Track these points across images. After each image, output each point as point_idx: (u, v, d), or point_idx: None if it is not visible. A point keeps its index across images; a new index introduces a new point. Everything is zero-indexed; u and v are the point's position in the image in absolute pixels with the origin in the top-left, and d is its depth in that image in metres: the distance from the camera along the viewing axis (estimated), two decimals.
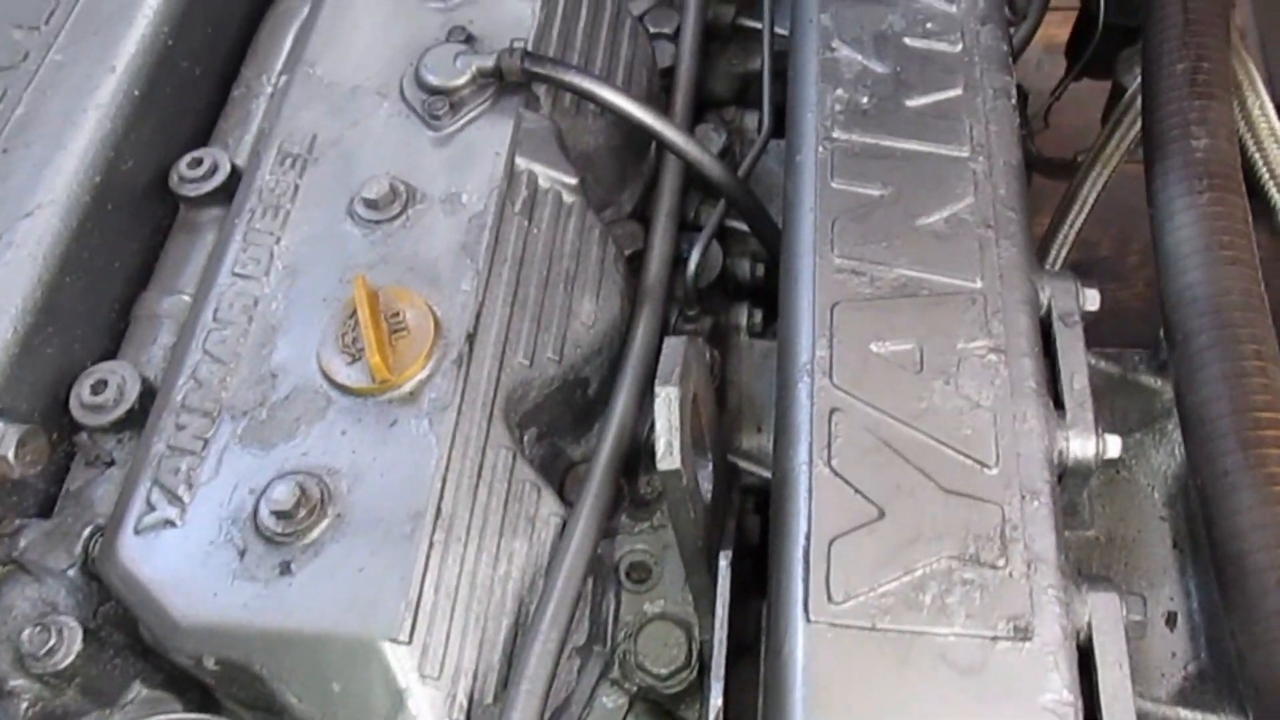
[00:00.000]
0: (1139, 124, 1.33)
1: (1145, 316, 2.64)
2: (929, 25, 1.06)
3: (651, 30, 1.40)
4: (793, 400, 0.86)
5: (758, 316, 1.24)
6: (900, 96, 1.01)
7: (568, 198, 1.06)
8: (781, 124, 1.24)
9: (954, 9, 1.07)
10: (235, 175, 1.13)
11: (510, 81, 1.06)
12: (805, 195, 0.96)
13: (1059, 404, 0.87)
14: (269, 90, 1.22)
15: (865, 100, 1.01)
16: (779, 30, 1.40)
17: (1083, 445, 0.84)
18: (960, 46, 1.04)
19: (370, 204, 0.99)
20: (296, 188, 1.03)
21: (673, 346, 0.87)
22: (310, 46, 1.14)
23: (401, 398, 0.90)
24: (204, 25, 1.23)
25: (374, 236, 0.99)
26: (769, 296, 1.29)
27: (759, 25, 1.44)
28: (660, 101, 1.29)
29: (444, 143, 1.05)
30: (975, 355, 0.86)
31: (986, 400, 0.84)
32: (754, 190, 1.18)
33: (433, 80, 1.06)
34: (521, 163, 1.04)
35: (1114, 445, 0.85)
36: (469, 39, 1.10)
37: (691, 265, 1.15)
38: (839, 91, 1.01)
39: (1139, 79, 1.30)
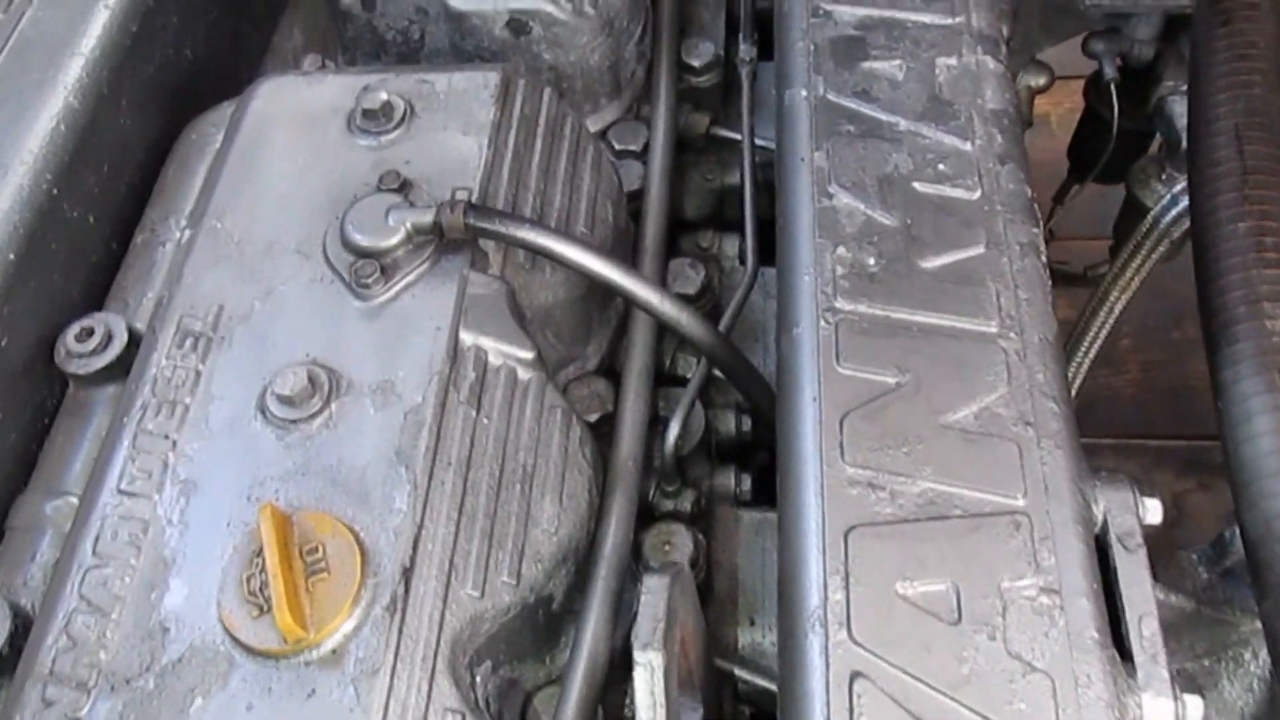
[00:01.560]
0: (1162, 248, 1.20)
1: (1140, 404, 2.50)
2: (941, 167, 0.91)
3: (617, 147, 1.25)
4: (802, 657, 0.70)
5: (746, 483, 1.08)
6: (913, 256, 0.86)
7: (523, 374, 0.90)
8: (766, 249, 1.10)
9: (968, 146, 0.92)
10: (134, 345, 0.97)
11: (452, 239, 0.90)
12: (805, 382, 0.80)
13: (1122, 651, 0.71)
14: (177, 235, 1.05)
15: (872, 261, 0.86)
16: (760, 141, 1.26)
17: (1158, 711, 0.68)
18: (979, 193, 0.89)
19: (285, 400, 0.83)
20: (197, 375, 0.87)
21: (654, 592, 0.71)
22: (217, 194, 0.98)
23: (322, 659, 0.73)
24: (97, 164, 1.06)
25: (290, 439, 0.82)
26: (759, 453, 1.14)
27: (736, 136, 1.30)
28: (629, 234, 1.14)
29: (374, 315, 0.89)
30: (1023, 597, 0.70)
31: (1041, 659, 0.68)
32: (738, 347, 1.02)
33: (360, 240, 0.90)
34: (467, 338, 0.88)
35: (1195, 708, 0.69)
36: (403, 185, 0.94)
37: (671, 437, 0.99)
38: (840, 250, 0.86)
39: (1164, 201, 1.17)
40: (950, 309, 0.83)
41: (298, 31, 1.43)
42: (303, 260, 0.92)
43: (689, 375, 1.12)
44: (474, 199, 0.93)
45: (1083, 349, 1.30)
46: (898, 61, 0.99)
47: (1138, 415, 2.46)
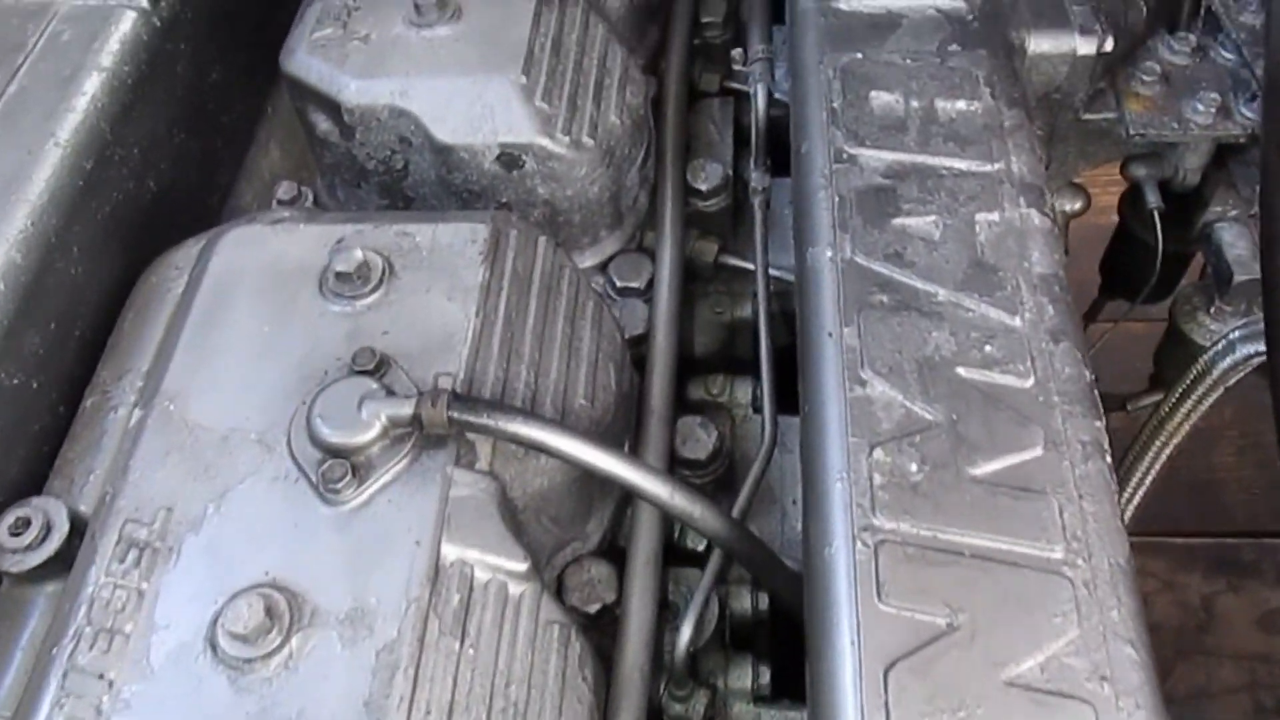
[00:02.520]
0: (1215, 395, 1.10)
1: (1163, 499, 2.38)
2: (988, 348, 0.81)
3: (618, 284, 1.15)
4: None
5: (765, 675, 0.96)
6: (961, 461, 0.75)
7: (514, 588, 0.78)
8: (786, 391, 1.00)
9: (1017, 321, 0.82)
10: (76, 535, 0.85)
11: (434, 433, 0.80)
12: (842, 623, 0.69)
13: None
14: (131, 399, 0.94)
15: (914, 468, 0.75)
16: (775, 271, 1.16)
17: None
18: (1031, 380, 0.79)
19: (238, 637, 0.71)
20: (140, 597, 0.75)
21: None
22: (172, 368, 0.87)
23: None
24: (43, 323, 0.95)
25: (244, 681, 0.71)
26: (779, 637, 1.03)
27: (748, 265, 1.20)
28: (634, 393, 1.03)
29: (344, 525, 0.77)
30: None
31: None
32: (759, 538, 0.91)
33: (329, 436, 0.79)
34: (451, 551, 0.76)
35: None
36: (379, 365, 0.83)
37: (682, 642, 0.88)
38: (878, 454, 0.76)
39: (1218, 347, 1.06)
40: (1007, 529, 0.72)
41: (274, 146, 1.33)
42: (265, 454, 0.81)
43: (699, 548, 1.01)
44: (460, 381, 0.83)
45: (1128, 493, 1.19)
46: (933, 218, 0.89)
47: (1161, 511, 2.34)
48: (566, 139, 1.05)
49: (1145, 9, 1.15)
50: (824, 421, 0.79)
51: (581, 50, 1.13)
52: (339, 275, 0.89)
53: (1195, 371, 1.10)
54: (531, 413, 0.84)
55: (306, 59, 1.10)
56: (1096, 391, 0.80)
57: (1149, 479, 1.17)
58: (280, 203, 1.17)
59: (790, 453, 1.10)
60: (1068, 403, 0.78)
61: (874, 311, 0.83)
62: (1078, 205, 1.20)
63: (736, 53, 1.19)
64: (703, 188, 1.22)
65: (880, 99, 0.97)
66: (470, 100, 1.05)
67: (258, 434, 0.82)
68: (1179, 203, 1.21)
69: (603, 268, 1.17)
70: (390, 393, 0.81)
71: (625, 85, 1.15)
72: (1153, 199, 1.15)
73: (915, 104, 0.97)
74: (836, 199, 0.91)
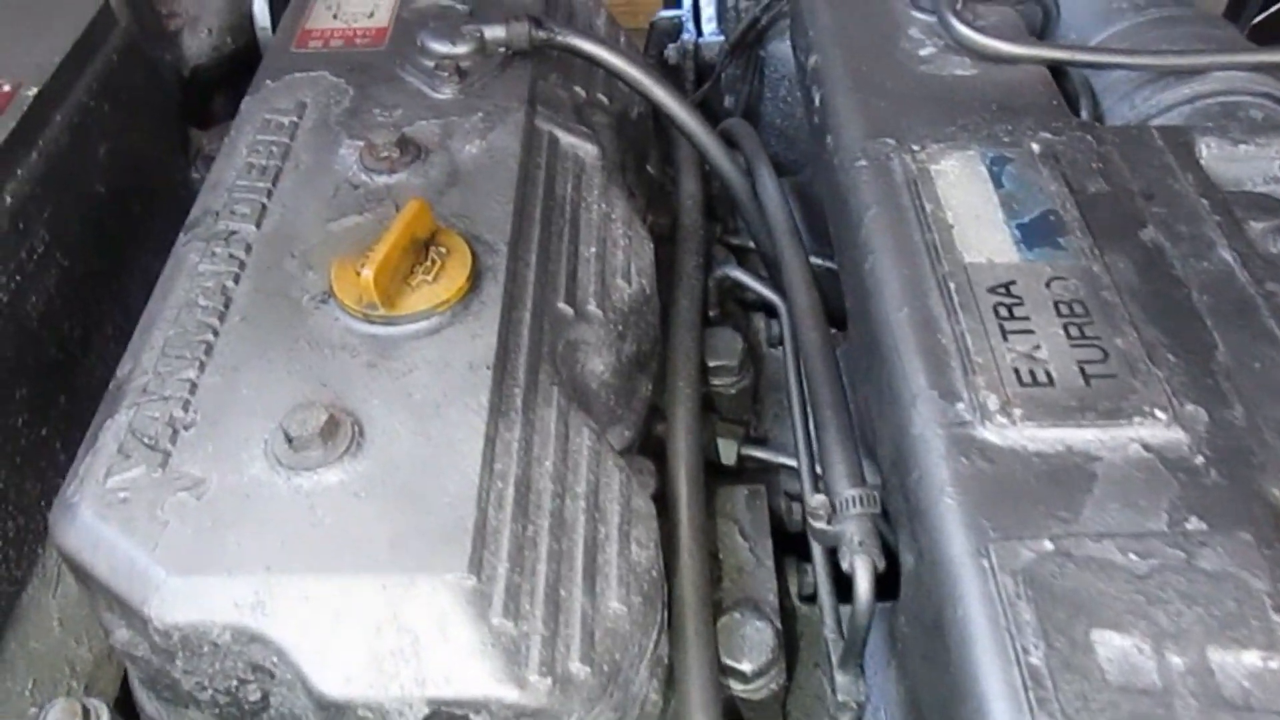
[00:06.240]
0: None
1: None
2: None
3: None
4: None
5: None
6: None
7: None
8: None
9: None
10: None
11: None
12: None
13: None
14: None
15: None
16: None
17: None
18: None
19: None
20: None
21: None
22: None
23: None
24: None
25: None
26: None
27: None
28: None
29: None
30: None
31: None
32: None
33: None
34: None
35: None
36: None
37: None
38: None
39: None
40: None
41: (59, 606, 0.86)
42: None
43: None
44: None
45: None
46: None
47: None
48: (547, 682, 0.61)
49: None
50: None
51: (562, 487, 0.70)
52: None
53: None
54: None
55: (93, 525, 0.64)
56: None
57: None
58: None
59: None
60: None
61: None
62: None
63: (818, 502, 0.75)
64: (745, 668, 0.78)
65: (1110, 646, 0.55)
66: (377, 621, 0.60)
67: None
68: None
69: None
70: None
71: (629, 528, 0.72)
72: None
73: (1176, 659, 0.55)
74: None
